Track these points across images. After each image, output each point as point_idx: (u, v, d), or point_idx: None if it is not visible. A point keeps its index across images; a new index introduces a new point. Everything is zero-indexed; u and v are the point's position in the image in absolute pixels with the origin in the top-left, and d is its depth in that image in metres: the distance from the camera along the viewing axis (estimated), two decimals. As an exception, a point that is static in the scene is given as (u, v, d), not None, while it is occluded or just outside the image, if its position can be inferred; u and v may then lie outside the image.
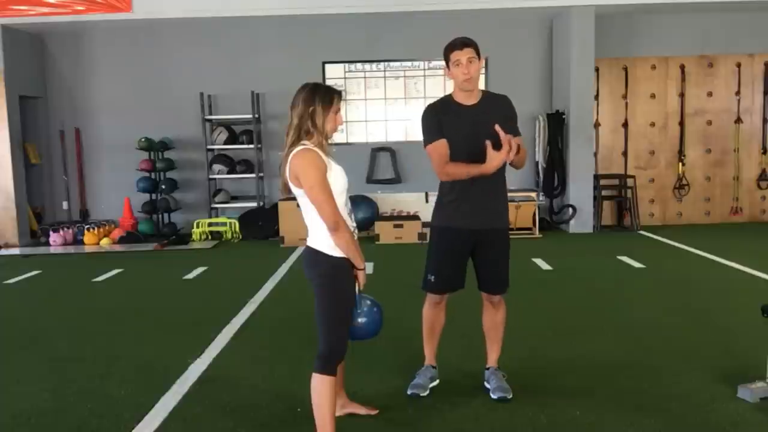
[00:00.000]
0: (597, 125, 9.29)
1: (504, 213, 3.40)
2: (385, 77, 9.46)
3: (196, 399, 3.45)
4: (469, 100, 3.27)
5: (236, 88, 9.18)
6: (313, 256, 2.70)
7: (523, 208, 8.54)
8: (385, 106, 9.48)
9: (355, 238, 2.73)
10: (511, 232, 8.30)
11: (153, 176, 9.29)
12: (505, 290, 3.42)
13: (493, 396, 3.33)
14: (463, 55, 3.17)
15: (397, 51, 9.28)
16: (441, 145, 3.23)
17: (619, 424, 3.05)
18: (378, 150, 9.40)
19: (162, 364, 4.01)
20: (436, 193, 3.43)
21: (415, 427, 3.10)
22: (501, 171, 3.28)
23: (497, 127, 3.08)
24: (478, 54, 3.21)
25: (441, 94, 3.56)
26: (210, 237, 8.98)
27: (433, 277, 3.39)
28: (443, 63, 3.29)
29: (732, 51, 9.27)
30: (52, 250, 8.55)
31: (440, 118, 3.26)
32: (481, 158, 3.13)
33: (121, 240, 8.75)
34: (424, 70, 9.41)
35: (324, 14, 8.74)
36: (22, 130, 9.08)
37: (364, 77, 9.45)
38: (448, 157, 3.21)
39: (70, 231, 8.89)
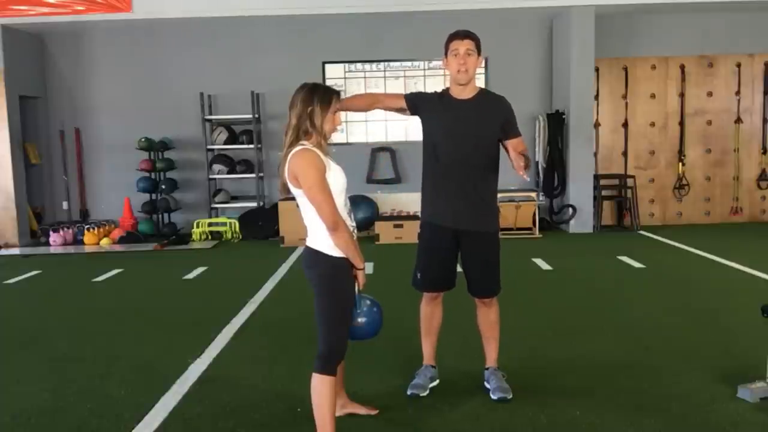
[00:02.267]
0: (597, 125, 9.29)
1: (490, 216, 3.32)
2: (385, 77, 9.45)
3: (196, 399, 3.45)
4: (462, 95, 3.25)
5: (236, 88, 9.18)
6: (313, 256, 2.70)
7: (523, 208, 8.54)
8: (385, 106, 9.47)
9: (354, 237, 2.73)
10: (511, 232, 8.22)
11: (153, 176, 9.29)
12: (493, 295, 3.37)
13: (493, 396, 3.32)
14: (462, 46, 3.15)
15: (397, 51, 9.28)
16: (394, 94, 3.44)
17: (619, 424, 3.04)
18: (378, 150, 9.40)
19: (162, 364, 4.01)
20: None
21: (415, 427, 3.10)
22: (482, 170, 3.24)
23: (508, 143, 3.09)
24: (479, 50, 3.19)
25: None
26: (210, 237, 8.98)
27: (419, 273, 3.39)
28: (443, 59, 3.28)
29: (732, 51, 9.27)
30: (52, 250, 8.55)
31: (426, 104, 3.32)
32: (459, 153, 3.16)
33: (121, 240, 8.75)
34: (424, 70, 9.41)
35: (324, 14, 8.74)
36: (22, 130, 9.08)
37: (364, 77, 9.45)
38: (380, 103, 3.38)
39: (70, 231, 8.88)
